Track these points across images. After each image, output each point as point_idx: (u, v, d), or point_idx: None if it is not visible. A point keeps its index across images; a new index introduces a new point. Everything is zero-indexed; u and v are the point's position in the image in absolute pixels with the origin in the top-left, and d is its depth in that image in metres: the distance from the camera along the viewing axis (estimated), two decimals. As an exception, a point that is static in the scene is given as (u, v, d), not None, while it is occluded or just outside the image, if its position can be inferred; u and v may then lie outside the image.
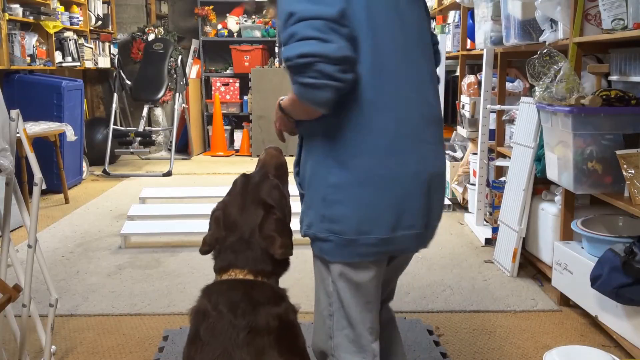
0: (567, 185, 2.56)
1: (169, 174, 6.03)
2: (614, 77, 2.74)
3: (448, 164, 4.60)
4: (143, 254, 3.57)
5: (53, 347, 2.30)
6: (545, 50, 2.68)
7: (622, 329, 2.30)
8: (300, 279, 2.92)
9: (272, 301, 1.41)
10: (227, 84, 7.54)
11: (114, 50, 7.14)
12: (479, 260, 3.43)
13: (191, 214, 4.01)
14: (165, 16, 7.86)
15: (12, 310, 2.14)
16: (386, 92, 1.33)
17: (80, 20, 6.20)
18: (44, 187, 3.67)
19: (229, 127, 7.58)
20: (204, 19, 7.56)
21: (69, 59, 5.86)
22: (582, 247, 2.61)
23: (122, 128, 6.47)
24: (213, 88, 7.54)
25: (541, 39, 2.96)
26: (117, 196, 5.12)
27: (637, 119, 2.39)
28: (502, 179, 3.65)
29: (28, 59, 5.08)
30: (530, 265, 3.25)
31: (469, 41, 4.41)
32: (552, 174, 2.70)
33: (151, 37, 7.10)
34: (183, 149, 7.27)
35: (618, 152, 2.33)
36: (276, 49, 7.33)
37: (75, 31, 6.10)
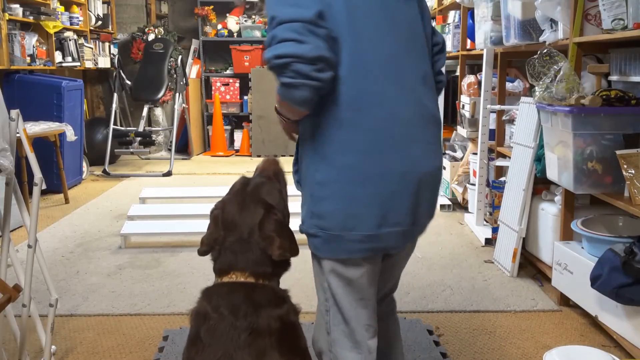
0: (567, 185, 2.56)
1: (169, 174, 6.03)
2: (614, 77, 2.74)
3: (448, 164, 4.60)
4: (143, 254, 3.57)
5: (53, 347, 2.30)
6: (545, 50, 2.68)
7: (622, 329, 2.30)
8: (300, 279, 2.92)
9: (273, 303, 1.41)
10: (227, 84, 7.54)
11: (114, 50, 7.14)
12: (479, 260, 3.43)
13: (191, 214, 4.01)
14: (165, 16, 7.86)
15: (12, 310, 2.14)
16: (369, 91, 1.35)
17: (80, 20, 6.20)
18: (44, 187, 3.67)
19: (229, 127, 7.58)
20: (204, 19, 7.56)
21: (69, 59, 5.86)
22: (582, 247, 2.61)
23: (122, 128, 6.48)
24: (213, 88, 7.54)
25: (541, 39, 2.96)
26: (117, 196, 5.12)
27: (637, 119, 2.39)
28: (502, 179, 3.65)
29: (28, 59, 5.08)
30: (530, 265, 3.25)
31: (469, 41, 4.41)
32: (552, 174, 2.70)
33: (151, 37, 7.10)
34: (183, 149, 7.27)
35: (618, 152, 2.33)
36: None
37: (75, 31, 6.10)
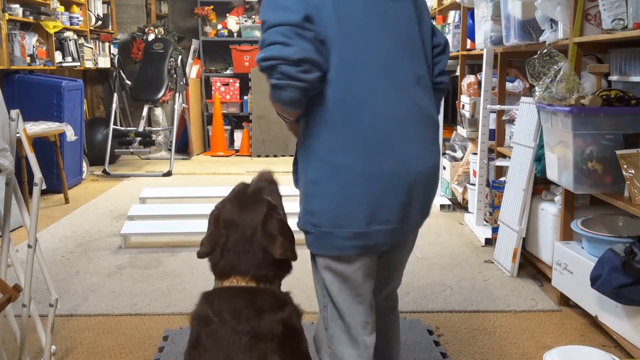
0: (567, 185, 2.56)
1: (169, 174, 6.03)
2: (614, 77, 2.74)
3: (448, 164, 4.60)
4: (143, 254, 3.57)
5: (53, 347, 2.30)
6: (545, 50, 2.68)
7: (622, 329, 2.30)
8: (300, 279, 2.91)
9: (276, 307, 1.40)
10: (227, 84, 7.54)
11: (114, 50, 7.14)
12: (479, 260, 3.43)
13: (191, 214, 4.01)
14: (165, 16, 7.86)
15: (12, 310, 2.14)
16: (358, 92, 1.38)
17: (80, 20, 6.20)
18: (44, 187, 3.67)
19: (229, 127, 7.58)
20: (204, 19, 7.56)
21: (69, 59, 5.86)
22: (582, 247, 2.61)
23: (122, 128, 6.47)
24: (213, 88, 7.54)
25: (541, 39, 2.96)
26: (117, 196, 5.12)
27: (637, 119, 2.39)
28: (502, 179, 3.65)
29: (28, 59, 5.08)
30: (530, 265, 3.25)
31: (469, 41, 4.41)
32: (552, 174, 2.70)
33: (151, 37, 7.10)
34: (183, 149, 7.27)
35: (618, 152, 2.33)
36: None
37: (75, 31, 6.10)
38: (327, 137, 1.39)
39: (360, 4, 1.40)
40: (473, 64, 4.65)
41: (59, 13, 5.64)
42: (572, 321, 2.64)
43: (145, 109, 6.51)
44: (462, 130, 4.42)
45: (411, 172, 1.42)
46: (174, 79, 6.71)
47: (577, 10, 2.58)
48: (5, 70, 4.87)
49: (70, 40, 5.87)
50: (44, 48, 5.42)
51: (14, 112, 2.02)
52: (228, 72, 7.68)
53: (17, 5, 4.93)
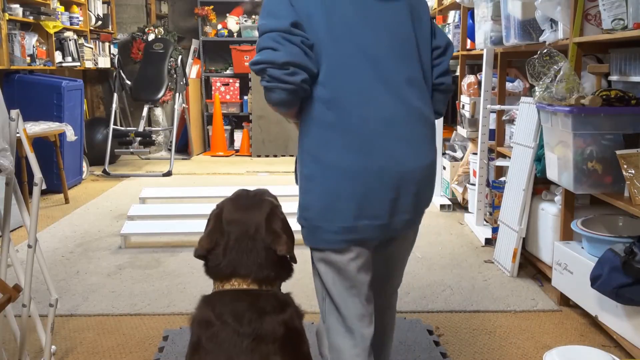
0: (567, 185, 2.56)
1: (169, 174, 6.03)
2: (614, 77, 2.74)
3: (448, 164, 4.60)
4: (143, 254, 3.57)
5: (53, 347, 2.30)
6: (545, 50, 2.68)
7: (622, 329, 2.30)
8: (300, 279, 2.90)
9: (277, 309, 1.40)
10: (227, 84, 7.54)
11: (114, 50, 7.14)
12: (479, 260, 3.43)
13: (191, 214, 4.01)
14: (165, 16, 7.86)
15: (12, 310, 2.14)
16: (346, 91, 1.44)
17: (80, 20, 6.20)
18: (44, 187, 3.67)
19: (229, 127, 7.58)
20: (204, 19, 7.56)
21: (69, 59, 5.86)
22: (582, 247, 2.61)
23: (122, 128, 6.47)
24: (213, 88, 7.54)
25: (541, 39, 2.96)
26: (117, 196, 5.12)
27: (637, 119, 2.39)
28: (502, 179, 3.65)
29: (28, 59, 5.08)
30: (530, 265, 3.25)
31: (469, 41, 4.41)
32: (552, 174, 2.70)
33: (151, 37, 7.10)
34: (183, 149, 7.27)
35: (618, 152, 2.34)
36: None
37: (75, 31, 6.10)
38: (319, 136, 1.46)
39: (351, 8, 1.46)
40: (473, 64, 4.65)
41: (59, 13, 5.64)
42: (572, 321, 2.64)
43: (145, 109, 6.50)
44: (462, 130, 4.42)
45: (400, 169, 1.46)
46: (174, 79, 6.71)
47: (577, 10, 2.58)
48: (5, 70, 4.87)
49: (70, 40, 5.87)
50: (44, 48, 5.42)
51: (14, 112, 2.02)
52: (228, 72, 7.68)
53: (17, 5, 4.93)
